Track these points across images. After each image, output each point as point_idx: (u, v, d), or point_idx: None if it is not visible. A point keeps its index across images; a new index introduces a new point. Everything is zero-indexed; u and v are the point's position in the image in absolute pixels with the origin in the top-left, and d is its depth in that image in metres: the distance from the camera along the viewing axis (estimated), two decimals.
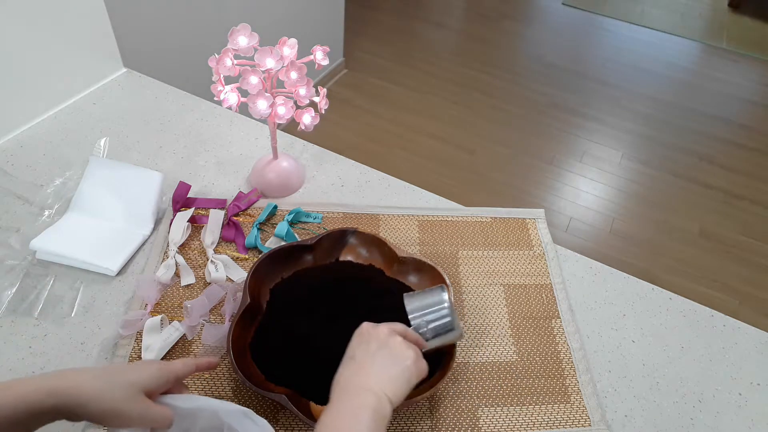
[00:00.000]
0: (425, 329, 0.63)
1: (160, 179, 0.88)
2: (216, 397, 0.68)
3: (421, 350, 0.61)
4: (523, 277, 0.85)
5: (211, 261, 0.81)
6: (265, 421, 0.56)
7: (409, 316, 0.64)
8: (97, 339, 0.72)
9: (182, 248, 0.84)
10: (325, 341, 0.73)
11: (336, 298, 0.77)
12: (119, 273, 0.80)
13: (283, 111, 0.80)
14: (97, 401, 0.46)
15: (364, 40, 2.95)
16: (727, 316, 0.83)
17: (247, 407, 0.66)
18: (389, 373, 0.55)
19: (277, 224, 0.87)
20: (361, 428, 0.49)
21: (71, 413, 0.46)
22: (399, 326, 0.60)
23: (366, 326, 0.60)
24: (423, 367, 0.59)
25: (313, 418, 0.63)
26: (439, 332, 0.64)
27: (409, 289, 0.78)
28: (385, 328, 0.59)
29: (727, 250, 2.06)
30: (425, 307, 0.64)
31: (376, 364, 0.55)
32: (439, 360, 0.70)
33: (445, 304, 0.64)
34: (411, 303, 0.65)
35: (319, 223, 0.89)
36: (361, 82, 2.70)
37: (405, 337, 0.60)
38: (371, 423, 0.49)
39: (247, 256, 0.84)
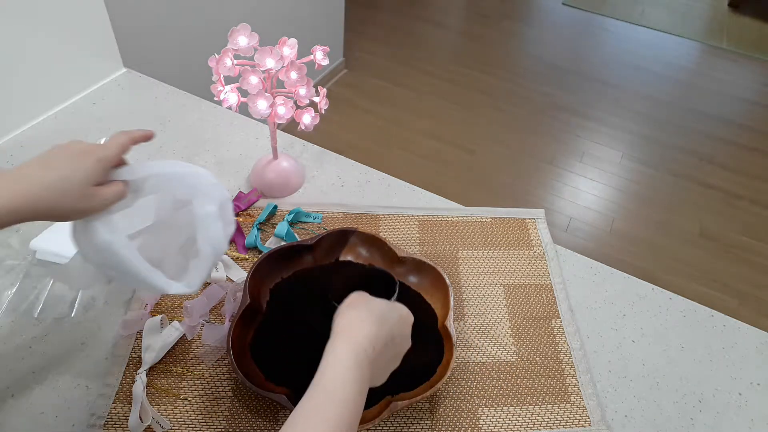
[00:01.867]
0: None
1: None
2: (216, 397, 0.68)
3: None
4: (523, 277, 0.85)
5: None
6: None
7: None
8: (97, 339, 0.72)
9: None
10: (325, 341, 0.73)
11: (336, 299, 0.77)
12: None
13: (283, 111, 0.80)
14: (58, 211, 0.49)
15: (364, 40, 2.95)
16: (727, 316, 0.83)
17: (247, 407, 0.67)
18: (386, 356, 0.55)
19: (277, 224, 0.87)
20: (351, 375, 0.49)
21: (29, 220, 0.48)
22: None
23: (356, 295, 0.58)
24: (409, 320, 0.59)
25: None
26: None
27: (408, 289, 0.78)
28: (379, 302, 0.57)
29: (727, 250, 2.05)
30: None
31: (383, 327, 0.54)
32: (439, 360, 0.70)
33: None
34: None
35: (319, 223, 0.89)
36: (361, 82, 2.70)
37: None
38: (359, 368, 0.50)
39: (247, 256, 0.84)
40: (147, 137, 0.58)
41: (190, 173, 0.58)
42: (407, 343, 0.58)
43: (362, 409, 0.49)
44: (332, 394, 0.47)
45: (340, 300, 0.59)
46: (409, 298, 0.78)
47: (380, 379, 0.56)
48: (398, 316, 0.57)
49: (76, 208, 0.50)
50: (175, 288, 0.56)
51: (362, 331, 0.52)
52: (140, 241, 0.58)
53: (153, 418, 0.64)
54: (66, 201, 0.49)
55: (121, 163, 0.56)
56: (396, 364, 0.58)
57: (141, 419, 0.64)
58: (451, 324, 0.72)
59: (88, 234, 0.52)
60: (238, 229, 0.86)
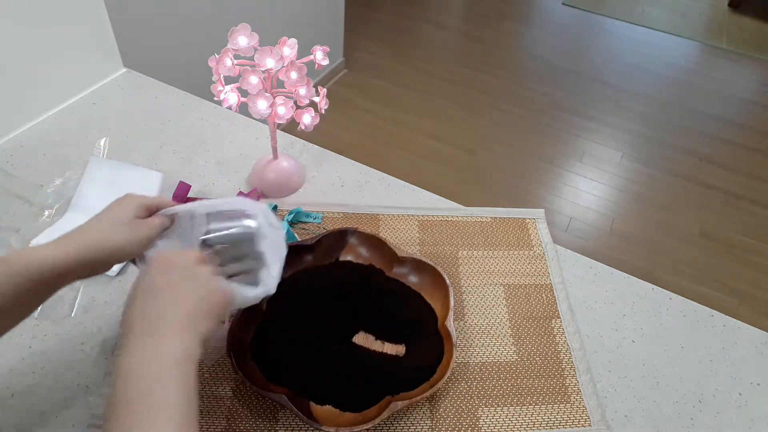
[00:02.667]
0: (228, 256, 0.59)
1: (160, 179, 0.88)
2: (216, 397, 0.68)
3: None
4: (523, 277, 0.85)
5: None
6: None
7: (207, 240, 0.59)
8: (97, 339, 0.72)
9: None
10: (325, 341, 0.73)
11: (336, 298, 0.77)
12: (119, 273, 0.79)
13: (283, 111, 0.80)
14: (120, 253, 0.56)
15: (364, 40, 2.95)
16: (727, 316, 0.83)
17: (247, 407, 0.67)
18: (197, 309, 0.50)
19: None
20: (171, 378, 0.45)
21: (98, 269, 0.56)
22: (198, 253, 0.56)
23: (168, 253, 0.54)
24: (228, 300, 0.54)
25: (314, 418, 0.63)
26: (244, 266, 0.59)
27: (409, 289, 0.78)
28: (191, 254, 0.54)
29: (727, 250, 2.06)
30: (226, 230, 0.59)
31: (184, 298, 0.49)
32: (439, 360, 0.70)
33: (249, 229, 0.59)
34: (213, 223, 0.59)
35: (319, 223, 0.89)
36: (361, 82, 2.70)
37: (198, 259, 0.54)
38: (182, 369, 0.45)
39: None
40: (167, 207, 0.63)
41: (226, 203, 0.63)
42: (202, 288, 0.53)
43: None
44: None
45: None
46: (410, 298, 0.78)
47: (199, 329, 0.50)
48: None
49: (127, 239, 0.56)
50: (253, 293, 0.59)
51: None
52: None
53: None
54: (114, 233, 0.56)
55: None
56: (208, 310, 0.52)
57: None
58: (451, 324, 0.72)
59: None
60: None
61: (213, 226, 0.61)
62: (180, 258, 0.53)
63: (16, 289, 0.49)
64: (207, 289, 0.52)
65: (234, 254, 0.61)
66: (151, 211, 0.60)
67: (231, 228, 0.61)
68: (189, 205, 0.62)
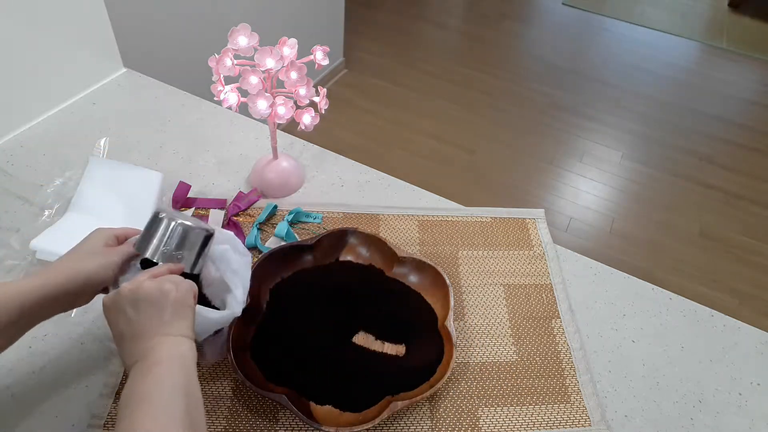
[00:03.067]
0: (168, 252, 0.60)
1: (160, 179, 0.88)
2: (216, 397, 0.68)
3: (182, 272, 0.60)
4: (523, 277, 0.85)
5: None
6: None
7: (146, 256, 0.60)
8: (97, 339, 0.72)
9: None
10: (325, 341, 0.73)
11: (336, 298, 0.77)
12: None
13: (283, 111, 0.80)
14: (95, 277, 0.59)
15: (364, 40, 2.95)
16: (727, 316, 0.83)
17: (247, 407, 0.67)
18: (162, 318, 0.52)
19: (277, 224, 0.87)
20: (173, 382, 0.48)
21: (78, 299, 0.59)
22: (141, 275, 0.57)
23: (107, 298, 0.55)
24: (187, 287, 0.56)
25: (313, 418, 0.63)
26: (181, 245, 0.60)
27: (409, 289, 0.78)
28: (125, 286, 0.55)
29: (727, 250, 2.05)
30: (153, 237, 0.60)
31: (145, 321, 0.52)
32: (439, 360, 0.70)
33: (167, 223, 0.60)
34: (139, 244, 0.61)
35: (319, 223, 0.89)
36: (361, 82, 2.70)
37: (154, 276, 0.56)
38: (178, 372, 0.49)
39: None
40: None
41: (194, 227, 0.65)
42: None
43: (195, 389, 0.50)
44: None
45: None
46: (410, 298, 0.78)
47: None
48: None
49: (98, 263, 0.59)
50: (217, 315, 0.61)
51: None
52: None
53: None
54: (87, 260, 0.59)
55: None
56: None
57: None
58: (451, 324, 0.72)
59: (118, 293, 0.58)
60: (238, 229, 0.86)
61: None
62: (118, 296, 0.55)
63: None
64: (159, 298, 0.54)
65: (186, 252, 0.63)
66: (121, 240, 0.63)
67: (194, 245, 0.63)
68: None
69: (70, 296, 0.58)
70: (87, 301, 0.61)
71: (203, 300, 0.66)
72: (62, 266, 0.58)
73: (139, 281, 0.55)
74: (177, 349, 0.51)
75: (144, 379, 0.49)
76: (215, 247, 0.65)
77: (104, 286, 0.60)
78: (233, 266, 0.65)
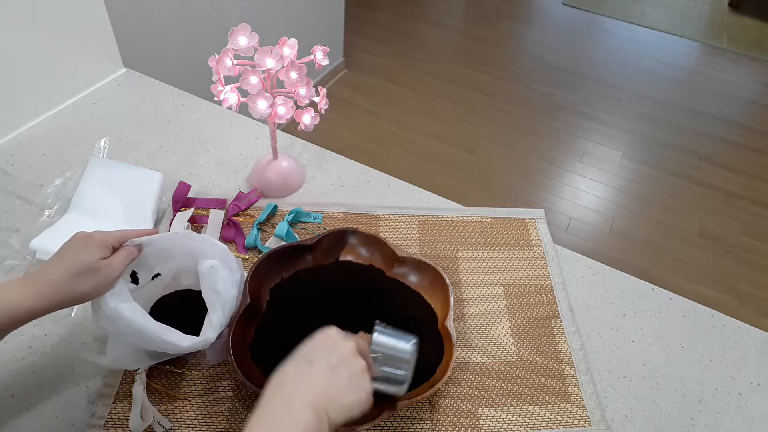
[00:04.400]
0: (380, 367, 0.59)
1: (160, 179, 0.88)
2: (216, 397, 0.68)
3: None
4: (523, 277, 0.85)
5: None
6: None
7: (372, 347, 0.60)
8: (98, 339, 0.72)
9: None
10: None
11: (336, 298, 0.77)
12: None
13: (283, 111, 0.80)
14: (79, 292, 0.57)
15: (364, 40, 2.95)
16: (727, 316, 0.83)
17: (247, 407, 0.67)
18: (342, 398, 0.50)
19: (277, 224, 0.87)
20: None
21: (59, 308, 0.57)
22: (363, 345, 0.55)
23: (334, 332, 0.54)
24: (370, 403, 0.53)
25: None
26: (388, 379, 0.60)
27: (409, 289, 0.78)
28: (352, 344, 0.53)
29: (727, 250, 2.05)
30: (391, 348, 0.61)
31: (333, 382, 0.50)
32: (439, 360, 0.70)
33: (409, 356, 0.61)
34: (380, 336, 0.61)
35: (319, 223, 0.89)
36: (361, 82, 2.70)
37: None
38: None
39: (247, 256, 0.84)
40: (147, 234, 0.64)
41: (187, 238, 0.66)
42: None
43: None
44: None
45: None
46: (410, 298, 0.78)
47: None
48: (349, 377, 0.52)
49: (95, 284, 0.57)
50: (189, 342, 0.61)
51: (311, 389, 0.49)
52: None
53: (154, 417, 0.64)
54: (82, 281, 0.56)
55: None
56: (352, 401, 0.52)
57: (142, 419, 0.64)
58: (451, 324, 0.72)
59: (100, 307, 0.59)
60: (238, 229, 0.86)
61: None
62: (343, 343, 0.53)
63: None
64: (358, 385, 0.52)
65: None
66: (115, 248, 0.61)
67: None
68: (151, 238, 0.64)
69: (59, 307, 0.57)
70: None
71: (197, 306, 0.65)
72: (56, 284, 0.55)
73: (360, 351, 0.54)
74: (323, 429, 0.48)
75: None
76: (203, 262, 0.64)
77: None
78: (217, 285, 0.63)
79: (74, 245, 0.58)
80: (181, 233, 0.68)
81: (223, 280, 0.64)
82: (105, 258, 0.58)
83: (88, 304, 0.60)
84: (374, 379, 0.56)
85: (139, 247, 0.63)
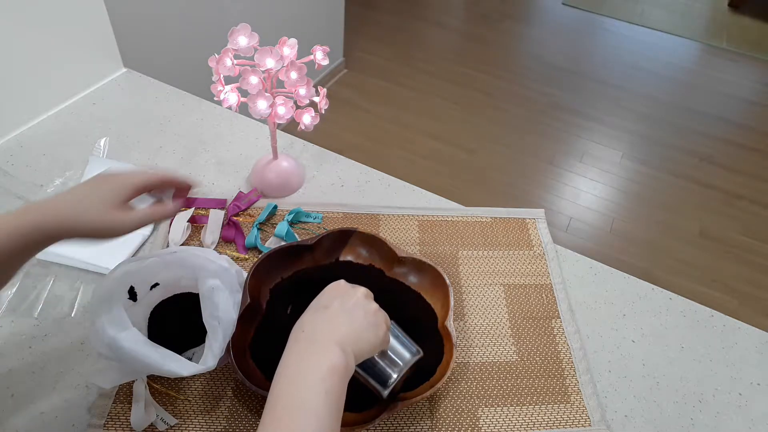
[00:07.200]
0: (375, 356, 0.61)
1: None
2: (216, 397, 0.68)
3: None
4: (523, 277, 0.85)
5: None
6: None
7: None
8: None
9: None
10: None
11: None
12: None
13: (283, 111, 0.80)
14: (78, 227, 0.52)
15: (364, 40, 2.95)
16: (727, 316, 0.83)
17: (247, 407, 0.67)
18: (362, 335, 0.53)
19: (277, 224, 0.87)
20: (325, 386, 0.47)
21: (57, 239, 0.52)
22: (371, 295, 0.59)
23: (344, 283, 0.58)
24: (387, 340, 0.58)
25: None
26: (375, 372, 0.61)
27: (409, 289, 0.78)
28: (363, 289, 0.57)
29: (727, 250, 2.05)
30: (392, 348, 0.62)
31: (352, 321, 0.53)
32: (439, 360, 0.70)
33: (403, 363, 0.62)
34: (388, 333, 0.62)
35: (319, 223, 0.89)
36: (361, 82, 2.70)
37: None
38: (336, 380, 0.48)
39: (247, 256, 0.84)
40: (183, 187, 0.63)
41: (190, 254, 0.66)
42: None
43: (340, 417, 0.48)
44: (310, 410, 0.45)
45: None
46: (409, 298, 0.78)
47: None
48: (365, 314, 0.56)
49: (95, 227, 0.53)
50: (189, 368, 0.60)
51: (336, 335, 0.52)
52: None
53: (157, 414, 0.64)
54: (85, 218, 0.52)
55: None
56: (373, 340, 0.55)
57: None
58: (451, 324, 0.72)
59: (98, 335, 0.59)
60: (238, 229, 0.86)
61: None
62: (354, 289, 0.57)
63: None
64: (375, 323, 0.56)
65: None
66: (140, 190, 0.57)
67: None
68: (153, 254, 0.65)
69: (55, 237, 0.52)
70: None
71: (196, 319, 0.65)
72: (62, 214, 0.51)
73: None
74: (349, 368, 0.50)
75: (318, 386, 0.47)
76: (205, 282, 0.64)
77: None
78: (218, 311, 0.63)
79: (93, 180, 0.55)
80: (182, 249, 0.68)
81: (224, 303, 0.64)
82: (124, 203, 0.54)
83: (88, 303, 0.60)
84: (363, 365, 0.59)
85: (178, 204, 0.62)
